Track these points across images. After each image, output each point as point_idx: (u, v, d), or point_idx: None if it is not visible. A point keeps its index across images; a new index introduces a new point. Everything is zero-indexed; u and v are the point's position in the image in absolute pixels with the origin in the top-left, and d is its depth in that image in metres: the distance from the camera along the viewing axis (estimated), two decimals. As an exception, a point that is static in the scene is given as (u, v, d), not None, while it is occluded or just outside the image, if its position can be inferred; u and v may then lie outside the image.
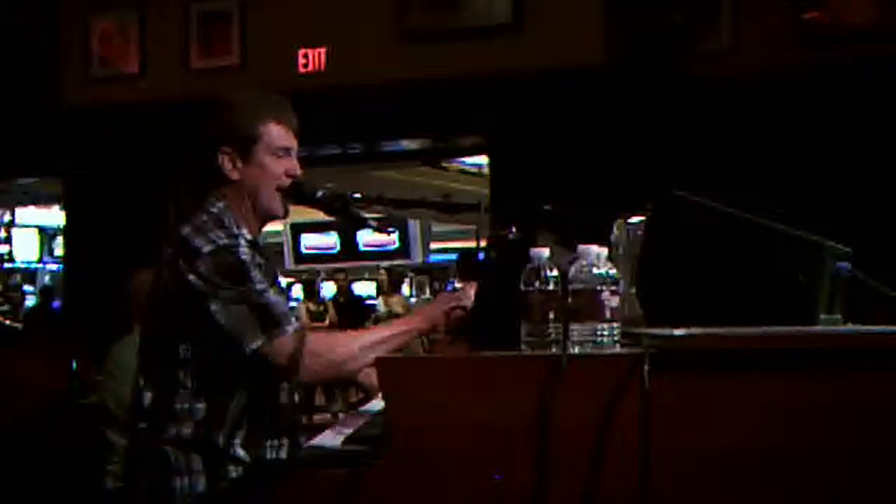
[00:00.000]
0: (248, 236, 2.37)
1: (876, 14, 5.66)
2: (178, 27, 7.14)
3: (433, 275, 13.38)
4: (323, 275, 12.48)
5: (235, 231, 2.35)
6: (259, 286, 2.25)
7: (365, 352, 2.27)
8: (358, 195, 2.47)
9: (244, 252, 2.28)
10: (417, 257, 12.55)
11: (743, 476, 1.75)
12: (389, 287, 12.02)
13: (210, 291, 2.24)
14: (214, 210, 2.38)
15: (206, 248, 2.28)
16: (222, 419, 2.26)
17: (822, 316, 2.08)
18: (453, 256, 9.84)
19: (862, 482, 1.74)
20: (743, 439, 1.75)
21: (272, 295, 2.26)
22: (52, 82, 7.37)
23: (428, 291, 12.78)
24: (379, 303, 11.86)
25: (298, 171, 2.44)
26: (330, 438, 2.21)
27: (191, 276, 2.25)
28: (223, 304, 2.23)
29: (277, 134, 2.42)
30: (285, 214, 2.50)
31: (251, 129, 2.40)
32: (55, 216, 12.17)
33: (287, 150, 2.44)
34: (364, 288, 13.45)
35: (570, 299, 1.85)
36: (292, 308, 2.41)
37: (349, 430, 2.27)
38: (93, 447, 4.18)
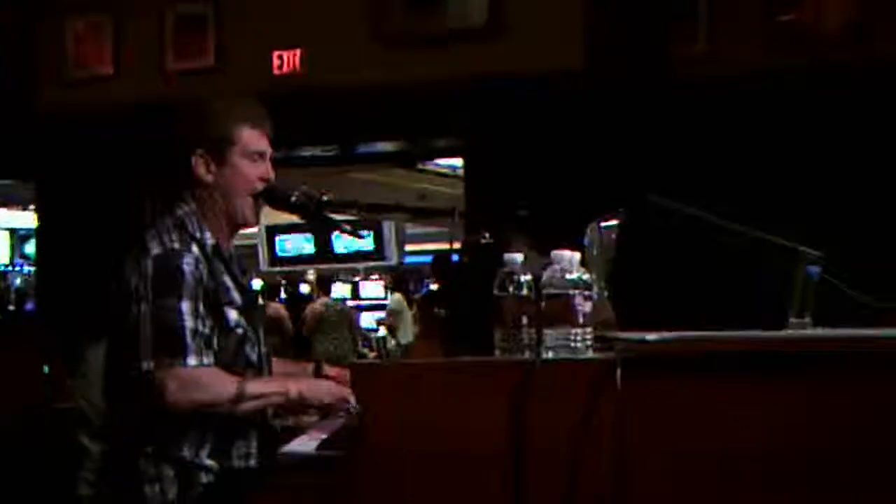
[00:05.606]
0: (211, 241, 2.36)
1: (851, 19, 5.70)
2: (153, 29, 7.09)
3: (407, 275, 13.58)
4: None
5: (197, 235, 2.34)
6: (184, 305, 2.22)
7: (239, 403, 2.22)
8: (332, 198, 2.47)
9: (188, 262, 2.26)
10: (392, 259, 12.58)
11: (717, 479, 1.76)
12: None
13: (142, 294, 2.23)
14: (181, 213, 2.37)
15: (155, 251, 2.28)
16: (185, 433, 2.25)
17: (793, 319, 2.10)
18: (428, 258, 9.88)
19: (842, 484, 1.74)
20: (716, 442, 1.76)
21: (189, 319, 2.22)
22: (26, 84, 7.31)
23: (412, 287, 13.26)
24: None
25: (272, 176, 2.44)
26: (305, 444, 2.21)
27: (133, 277, 2.25)
28: (141, 313, 2.22)
29: (252, 138, 2.41)
30: (256, 221, 2.49)
31: (226, 132, 2.39)
32: (26, 218, 12.06)
33: (261, 155, 2.43)
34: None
35: (543, 304, 1.86)
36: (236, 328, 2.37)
37: (324, 435, 2.27)
38: (66, 452, 4.15)
